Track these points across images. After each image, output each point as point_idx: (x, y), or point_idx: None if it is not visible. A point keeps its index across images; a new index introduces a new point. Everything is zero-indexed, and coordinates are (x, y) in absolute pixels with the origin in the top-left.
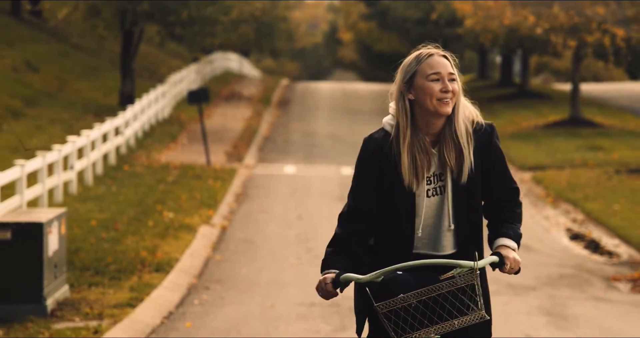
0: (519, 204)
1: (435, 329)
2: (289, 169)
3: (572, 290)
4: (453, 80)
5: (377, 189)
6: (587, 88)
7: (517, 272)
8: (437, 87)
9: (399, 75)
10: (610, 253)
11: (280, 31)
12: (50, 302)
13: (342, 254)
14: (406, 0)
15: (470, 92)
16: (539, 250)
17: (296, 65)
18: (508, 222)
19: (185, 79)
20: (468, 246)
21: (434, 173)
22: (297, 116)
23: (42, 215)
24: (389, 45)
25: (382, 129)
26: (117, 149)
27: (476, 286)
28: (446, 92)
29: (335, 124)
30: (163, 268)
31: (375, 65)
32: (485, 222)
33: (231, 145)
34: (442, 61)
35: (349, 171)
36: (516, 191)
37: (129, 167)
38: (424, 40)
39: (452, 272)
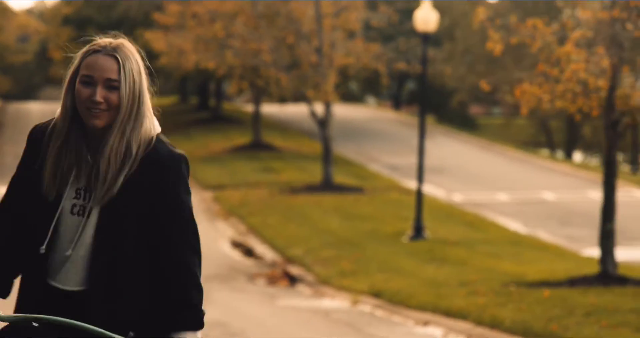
0: (195, 276)
1: None
2: (3, 190)
3: (220, 285)
4: (114, 88)
5: (28, 185)
6: (275, 110)
7: None
8: (86, 93)
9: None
10: (258, 257)
11: None
12: None
13: None
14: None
15: (171, 116)
16: (204, 256)
17: (6, 80)
18: (181, 306)
19: None
20: (103, 285)
21: (84, 186)
22: (9, 139)
23: None
24: None
25: (53, 119)
26: None
27: None
28: (93, 102)
29: None
30: None
31: None
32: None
33: None
34: (103, 63)
35: None
36: (195, 256)
37: None
38: None
39: None
